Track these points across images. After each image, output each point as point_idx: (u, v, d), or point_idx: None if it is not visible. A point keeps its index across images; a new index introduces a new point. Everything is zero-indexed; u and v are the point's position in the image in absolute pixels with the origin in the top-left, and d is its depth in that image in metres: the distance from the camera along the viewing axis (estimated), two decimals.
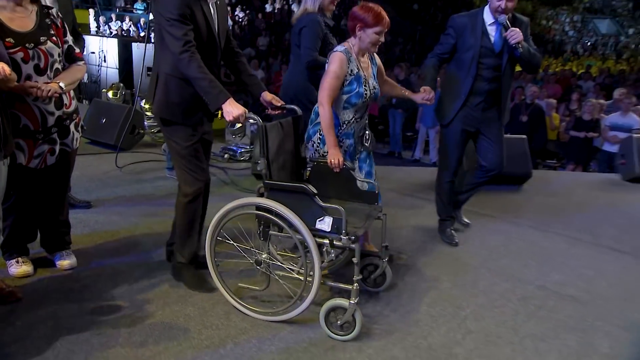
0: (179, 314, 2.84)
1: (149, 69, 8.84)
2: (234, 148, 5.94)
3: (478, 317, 3.00)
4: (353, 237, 2.60)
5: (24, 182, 2.91)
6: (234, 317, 2.83)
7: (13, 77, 2.41)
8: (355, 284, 2.64)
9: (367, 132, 3.41)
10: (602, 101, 9.47)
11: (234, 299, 2.89)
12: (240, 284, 3.01)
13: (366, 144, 3.41)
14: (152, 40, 5.68)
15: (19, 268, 3.06)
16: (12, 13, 2.64)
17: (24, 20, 2.69)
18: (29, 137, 2.76)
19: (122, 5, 18.26)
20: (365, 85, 3.16)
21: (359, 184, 3.08)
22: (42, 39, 2.73)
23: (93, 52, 9.46)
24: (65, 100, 2.94)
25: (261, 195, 2.83)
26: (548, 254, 4.06)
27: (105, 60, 9.19)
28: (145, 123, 6.65)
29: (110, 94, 7.03)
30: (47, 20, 2.82)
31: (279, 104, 3.14)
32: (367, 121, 3.41)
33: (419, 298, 3.20)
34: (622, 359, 2.69)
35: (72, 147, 3.06)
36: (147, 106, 6.65)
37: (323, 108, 3.04)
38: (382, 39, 3.11)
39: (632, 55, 30.20)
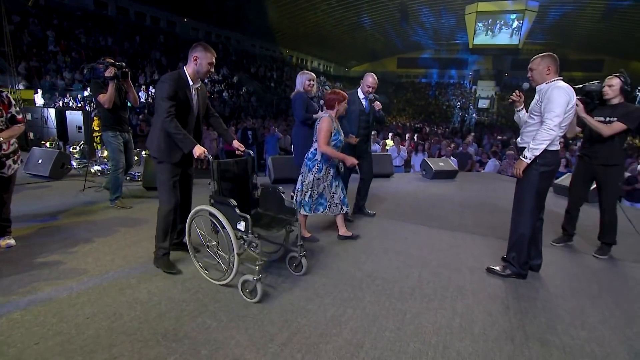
0: (81, 262, 3.04)
1: (78, 127, 8.52)
2: (132, 173, 5.90)
3: (375, 272, 3.12)
4: (257, 235, 2.56)
5: None
6: (118, 260, 3.10)
7: None
8: (257, 265, 2.53)
9: (339, 163, 3.62)
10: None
11: (200, 266, 2.89)
12: (205, 259, 2.97)
13: (341, 169, 3.66)
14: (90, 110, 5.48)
15: None
16: None
17: None
18: None
19: (64, 86, 16.82)
20: (340, 135, 3.55)
21: (286, 202, 2.96)
22: None
23: (37, 118, 8.82)
24: (4, 146, 3.07)
25: (212, 205, 2.78)
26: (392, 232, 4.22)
27: (47, 123, 8.62)
28: (72, 162, 6.36)
29: (47, 144, 6.72)
30: None
31: (242, 149, 3.09)
32: None
33: (314, 278, 3.00)
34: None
35: (7, 173, 3.16)
36: (74, 150, 6.46)
37: (326, 147, 3.37)
38: (347, 106, 3.57)
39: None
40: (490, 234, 4.22)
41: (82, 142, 6.74)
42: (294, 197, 3.60)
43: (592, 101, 3.63)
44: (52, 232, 3.68)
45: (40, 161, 5.63)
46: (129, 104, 4.68)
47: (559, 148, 2.87)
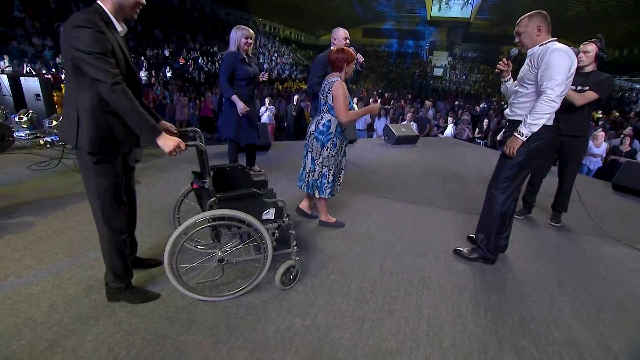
0: (39, 239, 2.22)
1: (37, 95, 7.07)
2: None
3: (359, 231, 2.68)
4: (291, 215, 2.04)
5: None
6: (27, 260, 2.21)
7: None
8: (294, 247, 2.05)
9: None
10: None
11: (193, 293, 1.87)
12: (198, 281, 2.01)
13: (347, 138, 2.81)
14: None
15: None
16: None
17: None
18: None
19: (34, 52, 14.48)
20: (353, 102, 2.59)
21: (253, 176, 2.24)
22: None
23: None
24: None
25: (211, 207, 1.80)
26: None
27: (0, 90, 7.15)
28: (22, 133, 5.10)
29: None
30: None
31: (175, 130, 1.87)
32: None
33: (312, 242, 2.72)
34: None
35: None
36: (20, 120, 5.16)
37: (346, 116, 2.44)
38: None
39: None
40: (454, 207, 3.58)
41: (30, 111, 5.45)
42: (306, 178, 2.72)
43: None
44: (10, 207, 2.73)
45: None
46: None
47: (552, 123, 2.14)
